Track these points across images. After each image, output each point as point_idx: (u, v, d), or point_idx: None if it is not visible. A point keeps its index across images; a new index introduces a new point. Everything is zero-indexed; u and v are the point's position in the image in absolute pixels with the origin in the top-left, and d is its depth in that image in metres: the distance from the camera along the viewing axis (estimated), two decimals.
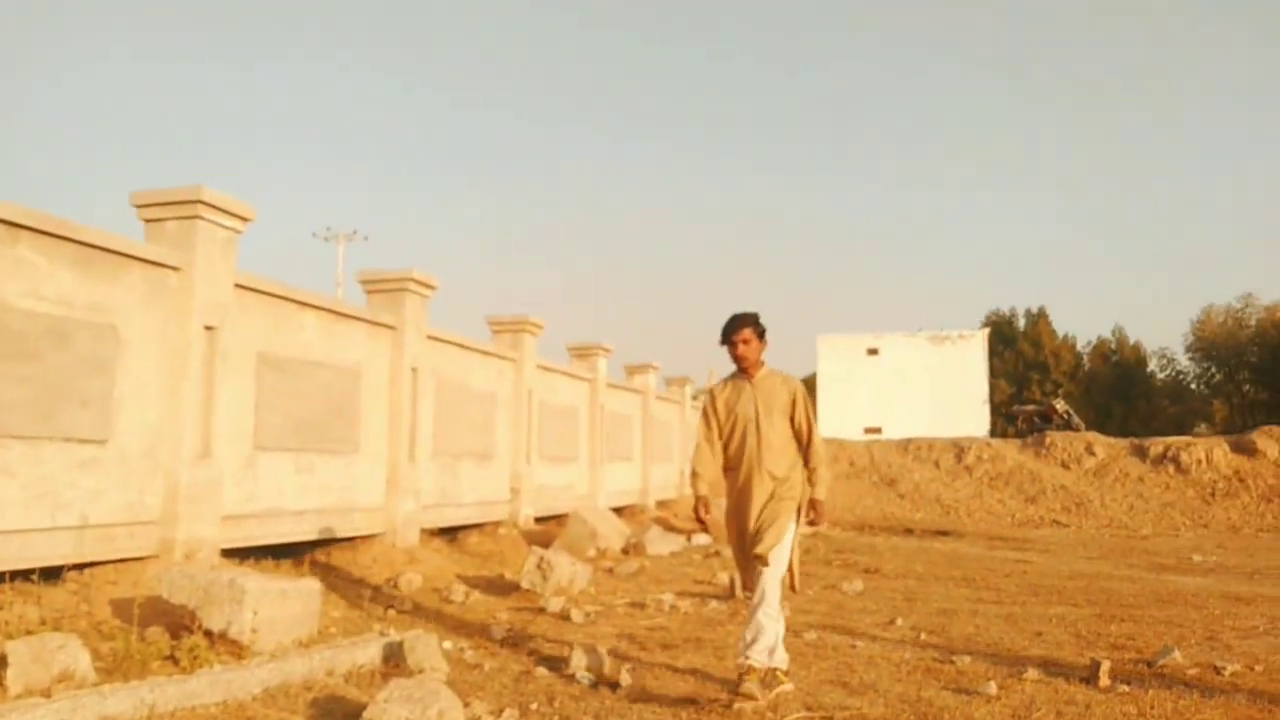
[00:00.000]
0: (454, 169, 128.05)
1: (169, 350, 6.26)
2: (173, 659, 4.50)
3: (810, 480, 4.80)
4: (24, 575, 5.13)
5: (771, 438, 4.74)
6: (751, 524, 4.69)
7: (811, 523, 4.71)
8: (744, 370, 4.85)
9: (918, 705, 4.44)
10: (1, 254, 5.13)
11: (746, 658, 4.50)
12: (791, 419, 4.81)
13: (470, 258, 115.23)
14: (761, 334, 4.83)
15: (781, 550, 4.62)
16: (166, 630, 4.88)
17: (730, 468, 4.86)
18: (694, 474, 4.88)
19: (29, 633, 4.31)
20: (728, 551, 12.68)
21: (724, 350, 4.86)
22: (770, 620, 4.54)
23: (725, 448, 4.88)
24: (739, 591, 4.44)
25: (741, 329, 4.77)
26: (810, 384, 52.84)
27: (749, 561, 4.69)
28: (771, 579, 4.57)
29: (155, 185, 6.52)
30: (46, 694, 3.85)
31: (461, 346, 10.55)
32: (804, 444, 4.81)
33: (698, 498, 4.83)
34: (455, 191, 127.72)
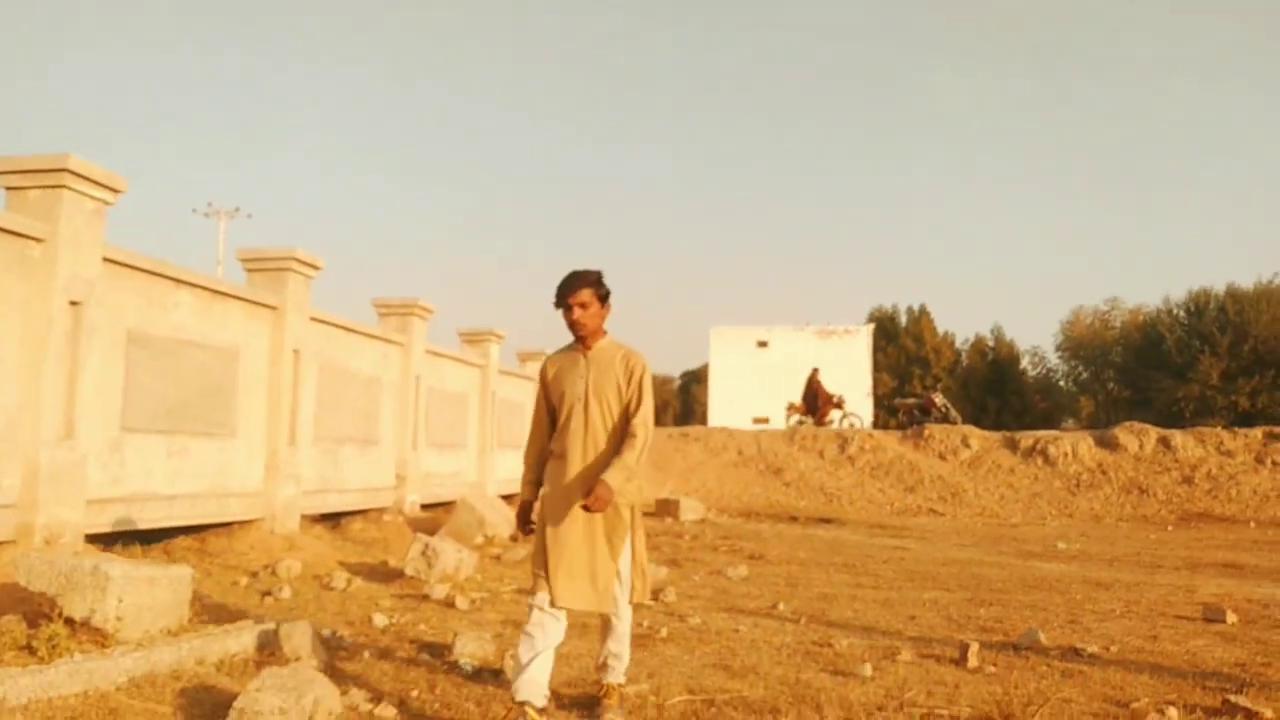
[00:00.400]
0: (344, 147, 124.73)
1: (30, 325, 5.91)
2: (29, 649, 4.26)
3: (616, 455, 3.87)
4: None
5: (601, 423, 3.93)
6: (571, 528, 3.88)
7: (585, 507, 3.75)
8: (580, 339, 4.01)
9: (796, 687, 4.55)
10: None
11: (607, 674, 4.11)
12: (626, 401, 3.97)
13: (361, 240, 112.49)
14: (604, 297, 3.98)
15: (627, 560, 3.97)
16: (24, 619, 4.61)
17: (557, 455, 4.01)
18: (525, 469, 4.14)
19: None
20: None
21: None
22: (628, 636, 4.10)
23: (557, 429, 4.06)
24: (542, 604, 3.80)
25: (578, 289, 3.90)
26: (702, 375, 53.47)
27: (567, 572, 3.84)
28: (622, 592, 3.96)
29: (21, 153, 6.15)
30: None
31: (347, 329, 10.29)
32: (627, 425, 3.93)
33: (520, 504, 4.12)
34: (345, 170, 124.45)
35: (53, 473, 5.89)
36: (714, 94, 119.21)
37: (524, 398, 16.59)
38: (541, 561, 3.88)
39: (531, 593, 3.88)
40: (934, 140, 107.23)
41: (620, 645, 4.03)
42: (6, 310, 5.75)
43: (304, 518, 8.94)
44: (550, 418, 4.10)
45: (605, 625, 4.05)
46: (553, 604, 3.78)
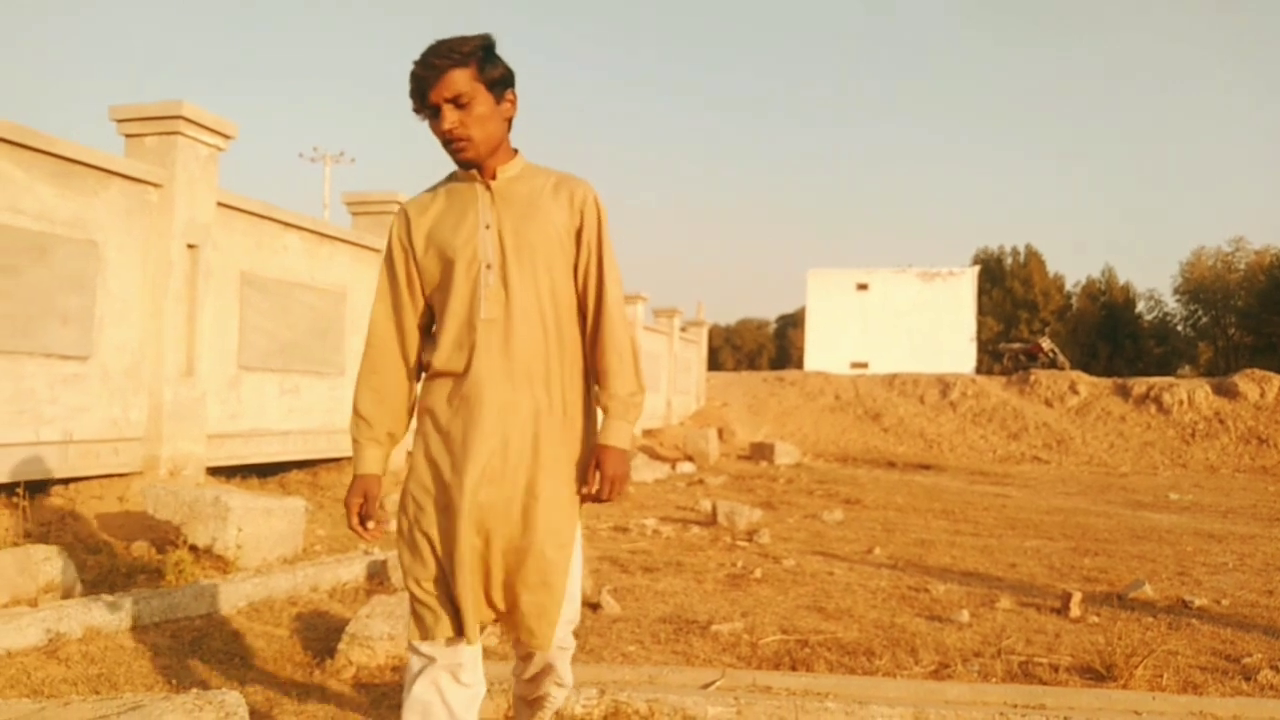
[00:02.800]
0: None
1: (151, 268, 6.19)
2: (158, 573, 4.54)
3: (601, 402, 2.24)
4: (8, 489, 5.15)
5: (534, 310, 2.18)
6: (482, 505, 2.10)
7: (597, 496, 2.20)
8: (468, 164, 2.18)
9: (890, 630, 4.54)
10: None
11: (544, 710, 2.46)
12: (575, 268, 2.25)
13: None
14: (497, 82, 2.15)
15: (570, 570, 2.18)
16: (152, 545, 4.92)
17: (439, 374, 2.22)
18: (354, 412, 2.28)
19: (15, 545, 4.33)
20: (713, 479, 12.83)
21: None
22: (562, 690, 2.41)
23: (428, 332, 2.28)
24: (435, 651, 2.12)
25: (445, 73, 2.09)
26: (799, 318, 52.86)
27: (475, 582, 2.11)
28: (563, 628, 2.21)
29: (137, 101, 6.39)
30: (33, 604, 3.89)
31: None
32: (593, 319, 2.25)
33: (356, 481, 2.24)
34: None
35: (175, 408, 6.21)
36: (811, 32, 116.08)
37: (659, 348, 16.93)
38: (430, 575, 2.14)
39: (418, 637, 2.15)
40: (1040, 68, 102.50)
41: (563, 681, 2.37)
42: (129, 254, 6.03)
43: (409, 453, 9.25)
44: (417, 310, 2.26)
45: (531, 662, 2.32)
46: (461, 637, 2.12)
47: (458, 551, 2.08)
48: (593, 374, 2.28)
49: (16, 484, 5.13)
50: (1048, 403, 21.27)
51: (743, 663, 3.95)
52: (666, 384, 19.50)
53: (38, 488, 5.34)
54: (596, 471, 2.19)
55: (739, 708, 3.15)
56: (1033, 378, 22.31)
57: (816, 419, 21.77)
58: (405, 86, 2.15)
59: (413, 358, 2.29)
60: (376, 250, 8.87)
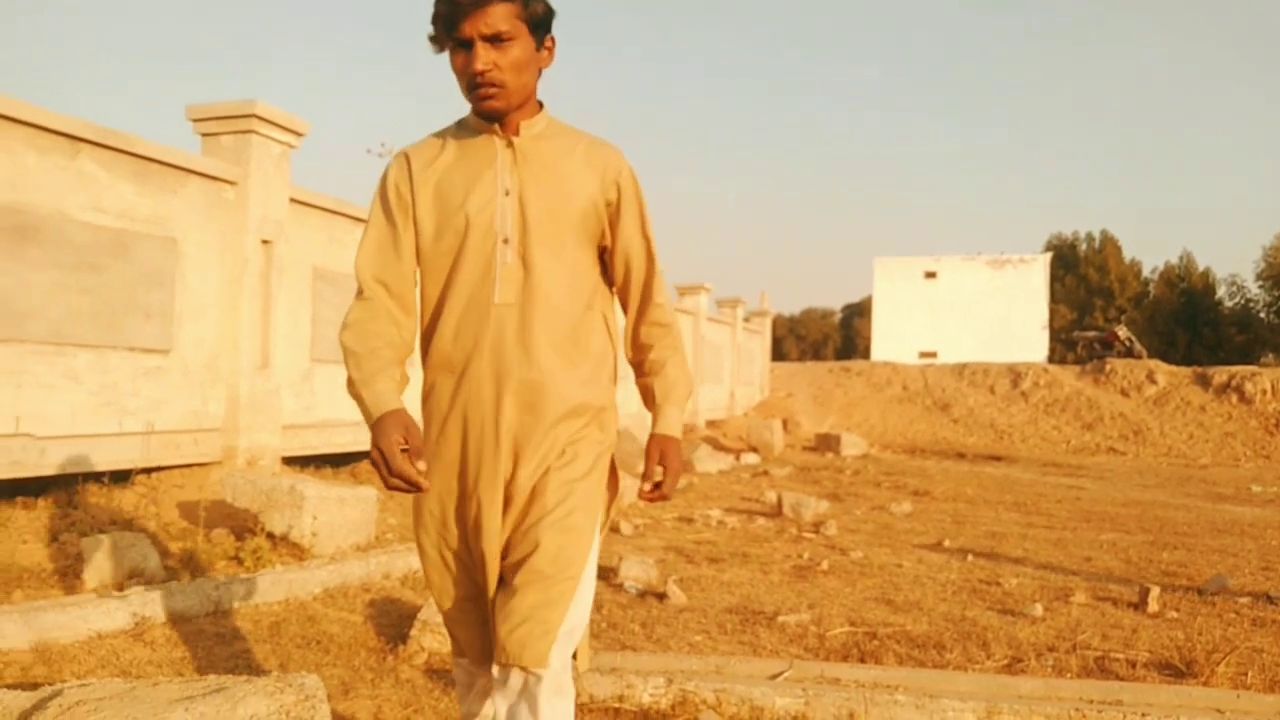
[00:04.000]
0: None
1: (227, 263, 6.36)
2: (237, 559, 4.67)
3: (652, 392, 2.02)
4: (95, 478, 5.34)
5: (552, 290, 1.87)
6: (494, 511, 1.87)
7: (654, 494, 1.97)
8: (491, 114, 1.85)
9: (961, 624, 4.47)
10: (63, 167, 5.21)
11: None
12: (608, 246, 1.97)
13: None
14: (543, 22, 1.85)
15: (580, 581, 1.84)
16: (231, 532, 5.06)
17: (436, 370, 1.94)
18: (350, 355, 1.88)
19: (101, 532, 4.50)
20: (778, 470, 12.75)
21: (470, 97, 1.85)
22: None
23: (429, 310, 1.94)
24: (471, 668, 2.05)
25: (489, 1, 1.75)
26: (865, 307, 52.20)
27: (481, 598, 1.95)
28: (559, 649, 1.79)
29: (212, 100, 6.57)
30: (120, 589, 4.04)
31: None
32: (638, 304, 2.00)
33: (380, 418, 1.79)
34: None
35: (252, 400, 6.37)
36: (881, 15, 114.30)
37: (723, 339, 17.77)
38: (461, 595, 1.98)
39: (456, 653, 2.08)
40: (1117, 49, 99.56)
41: None
42: (206, 250, 6.20)
43: None
44: (412, 279, 1.94)
45: (506, 688, 1.80)
46: (460, 654, 2.05)
47: (487, 576, 1.88)
48: (636, 359, 2.05)
49: (103, 473, 5.32)
50: (1124, 392, 20.72)
51: (810, 654, 3.93)
52: (730, 375, 19.43)
53: (122, 477, 5.54)
54: (658, 465, 1.96)
55: (807, 699, 3.14)
56: (1108, 367, 21.75)
57: (883, 410, 21.51)
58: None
59: (408, 324, 1.94)
60: None
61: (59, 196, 5.18)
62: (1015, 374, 22.22)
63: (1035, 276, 41.87)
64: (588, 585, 1.86)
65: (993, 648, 4.06)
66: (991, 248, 49.89)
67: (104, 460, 5.37)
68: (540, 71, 1.91)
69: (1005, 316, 40.75)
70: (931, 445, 18.46)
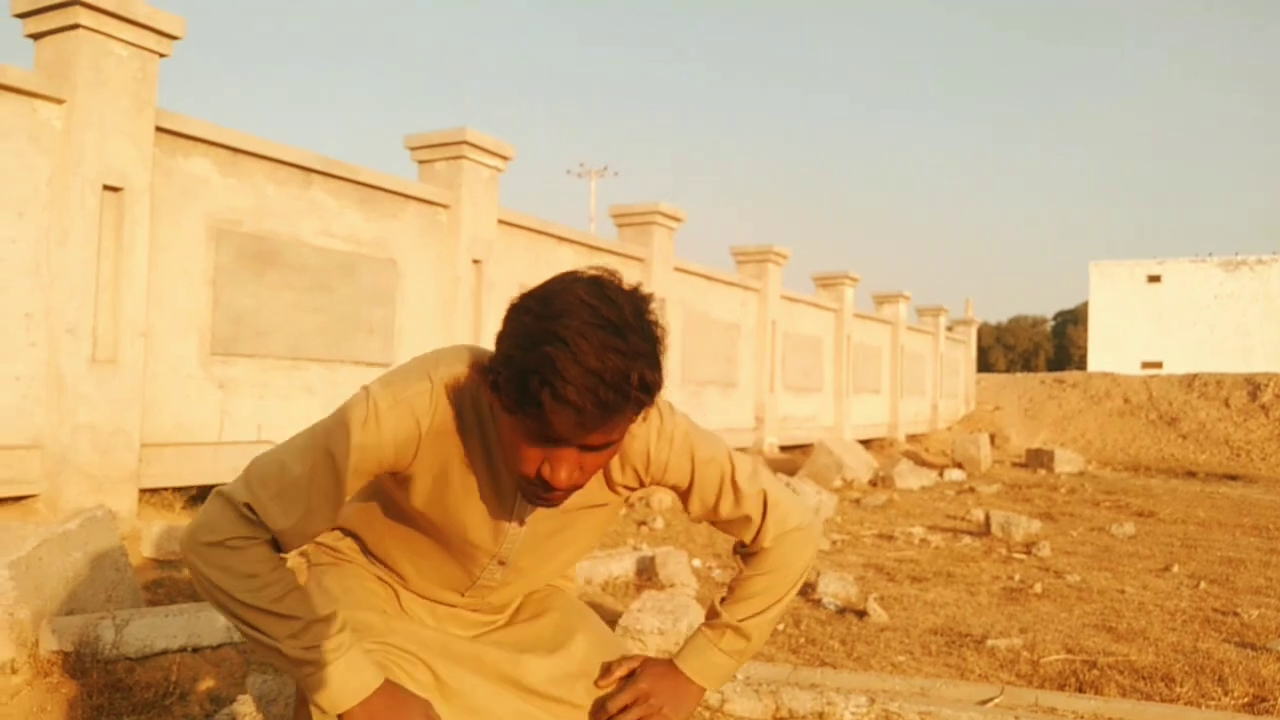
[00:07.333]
0: (701, 104, 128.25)
1: (441, 282, 6.75)
2: None
3: (713, 616, 1.63)
4: None
5: (535, 582, 1.69)
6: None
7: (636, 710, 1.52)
8: (540, 506, 1.40)
9: (1193, 656, 4.13)
10: (297, 196, 5.70)
11: None
12: (687, 505, 1.58)
13: (718, 190, 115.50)
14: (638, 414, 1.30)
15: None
16: None
17: (394, 558, 1.63)
18: (264, 625, 1.36)
19: None
20: (985, 487, 12.20)
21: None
22: None
23: (371, 532, 1.65)
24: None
25: (622, 411, 1.24)
26: (1080, 315, 49.09)
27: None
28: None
29: (422, 129, 7.01)
30: None
31: (706, 278, 10.67)
32: (751, 538, 1.58)
33: (381, 694, 1.37)
34: (703, 125, 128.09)
35: None
36: (1094, 12, 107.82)
37: (880, 342, 16.36)
38: None
39: None
40: None
41: None
42: (423, 270, 6.61)
43: None
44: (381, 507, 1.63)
45: None
46: None
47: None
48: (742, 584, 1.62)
49: None
50: None
51: (1023, 681, 3.74)
52: (931, 387, 18.80)
53: None
54: (629, 682, 1.55)
55: None
56: None
57: (1102, 424, 20.16)
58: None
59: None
60: (640, 259, 9.17)
61: (294, 223, 5.67)
62: (1253, 385, 20.31)
63: (1275, 279, 38.15)
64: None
65: (1230, 684, 3.72)
66: (1224, 248, 45.85)
67: None
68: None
69: (1240, 323, 37.39)
70: (1156, 462, 17.14)
